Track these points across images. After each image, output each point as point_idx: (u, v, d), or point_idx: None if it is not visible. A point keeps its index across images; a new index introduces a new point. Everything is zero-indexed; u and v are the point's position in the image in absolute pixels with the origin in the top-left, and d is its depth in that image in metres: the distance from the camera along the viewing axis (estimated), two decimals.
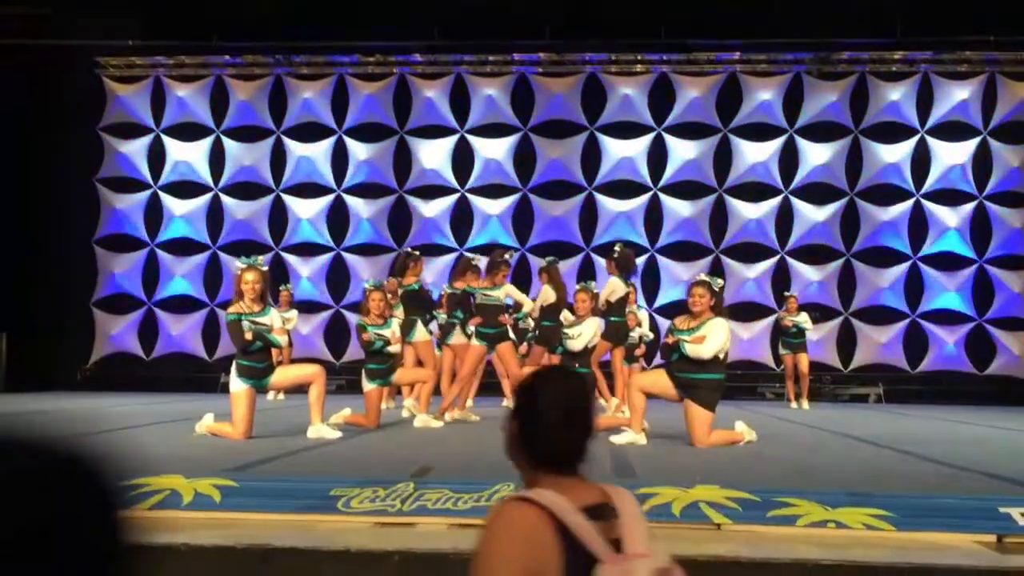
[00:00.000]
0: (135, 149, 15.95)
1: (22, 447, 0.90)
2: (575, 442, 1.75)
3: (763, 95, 15.29)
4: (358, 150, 15.76)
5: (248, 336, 6.56)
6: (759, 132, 15.35)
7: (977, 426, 9.25)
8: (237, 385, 6.65)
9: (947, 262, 15.12)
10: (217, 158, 15.96)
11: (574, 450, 1.75)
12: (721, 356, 6.41)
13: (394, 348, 7.75)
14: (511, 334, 8.90)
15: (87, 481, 0.92)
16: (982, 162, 15.08)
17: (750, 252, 15.35)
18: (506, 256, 8.66)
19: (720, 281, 6.58)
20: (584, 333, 7.70)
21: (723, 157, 15.38)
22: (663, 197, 15.43)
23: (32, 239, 14.88)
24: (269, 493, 4.08)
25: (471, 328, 8.59)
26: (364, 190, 15.83)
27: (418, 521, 3.81)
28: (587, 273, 14.48)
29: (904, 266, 15.20)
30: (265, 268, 6.88)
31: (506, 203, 15.61)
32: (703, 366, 6.34)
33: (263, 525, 3.77)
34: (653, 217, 15.46)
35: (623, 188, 15.49)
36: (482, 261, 9.03)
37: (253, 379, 6.67)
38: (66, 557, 0.86)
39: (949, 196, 15.18)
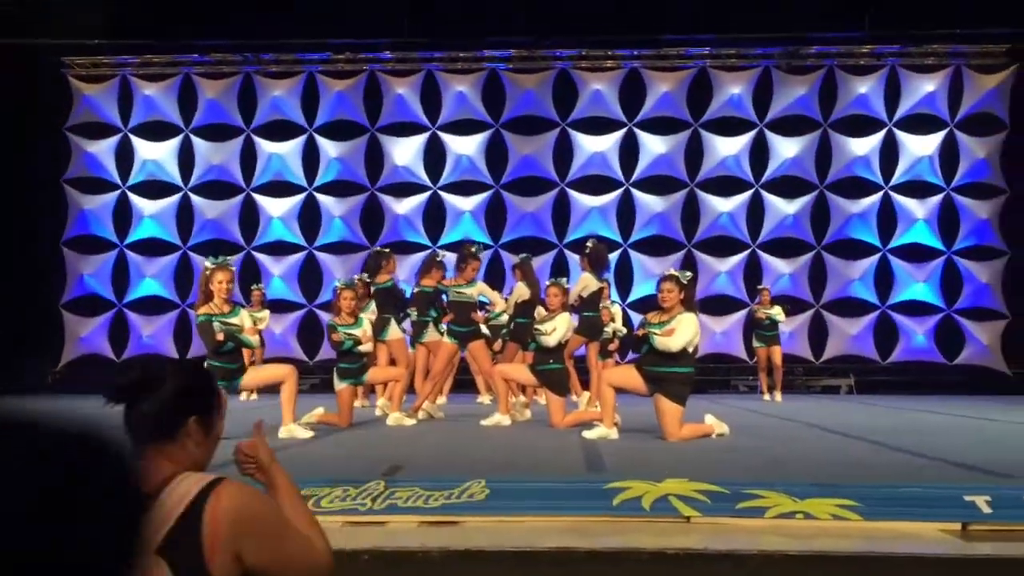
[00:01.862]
0: (103, 149, 15.79)
1: (47, 431, 0.91)
2: (130, 424, 1.81)
3: (733, 89, 15.37)
4: (329, 148, 15.69)
5: (220, 337, 6.52)
6: (729, 126, 15.43)
7: (945, 416, 9.36)
8: None
9: (916, 254, 15.29)
10: (186, 157, 15.83)
11: (130, 428, 1.81)
12: (690, 350, 6.45)
13: (365, 347, 7.72)
14: (484, 331, 8.90)
15: (109, 460, 0.93)
16: (949, 154, 15.25)
17: (722, 246, 15.44)
18: (473, 249, 8.64)
19: (688, 274, 6.61)
20: (558, 328, 7.70)
21: (694, 152, 15.45)
22: (635, 192, 15.48)
23: None
24: None
25: (443, 325, 8.58)
26: (336, 188, 15.76)
27: (388, 520, 3.80)
28: (560, 269, 14.51)
29: (873, 258, 15.34)
30: (234, 268, 6.85)
31: (479, 200, 15.60)
32: (673, 360, 6.37)
33: None
34: (625, 212, 15.51)
35: (595, 184, 15.53)
36: (448, 257, 9.02)
37: (224, 380, 6.62)
38: (86, 531, 0.87)
39: (917, 188, 15.34)
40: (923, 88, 15.21)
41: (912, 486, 4.08)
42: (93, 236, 15.80)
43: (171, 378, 1.80)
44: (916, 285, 15.21)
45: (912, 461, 5.24)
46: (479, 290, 8.60)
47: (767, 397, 12.43)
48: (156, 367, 1.83)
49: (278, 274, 15.57)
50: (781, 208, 15.38)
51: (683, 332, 6.34)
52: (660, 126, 15.46)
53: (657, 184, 15.50)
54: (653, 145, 15.43)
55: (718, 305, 15.13)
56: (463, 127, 15.62)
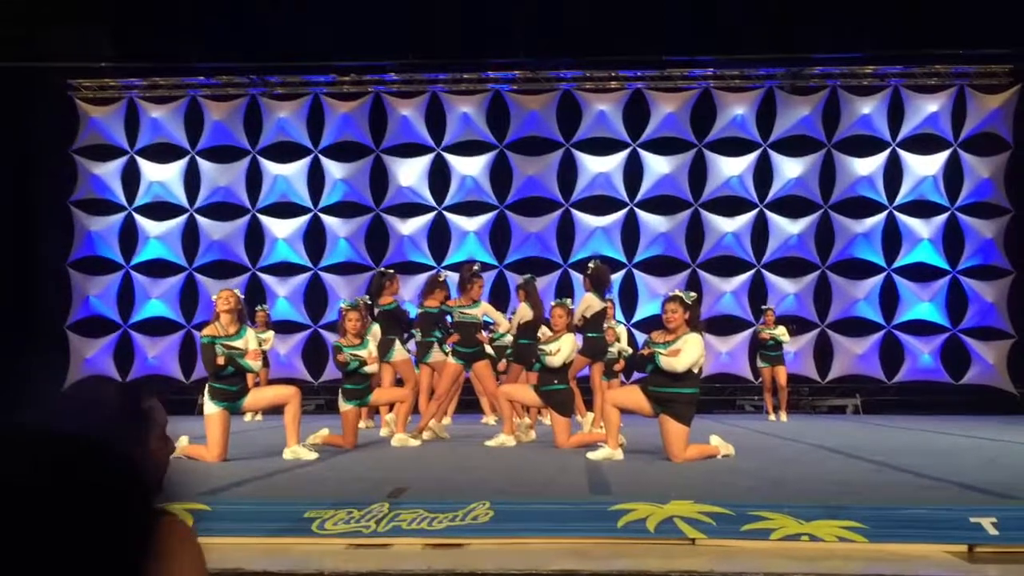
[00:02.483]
0: (109, 171, 15.87)
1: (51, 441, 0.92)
2: None
3: (737, 110, 15.42)
4: (334, 169, 15.76)
5: (220, 361, 6.51)
6: (733, 147, 15.47)
7: (951, 436, 9.32)
8: (211, 408, 6.61)
9: (921, 273, 15.27)
10: (192, 179, 15.90)
11: None
12: (695, 370, 6.43)
13: (371, 368, 7.72)
14: (489, 351, 8.90)
15: (117, 467, 0.94)
16: (953, 174, 15.26)
17: (726, 266, 15.45)
18: (475, 268, 8.64)
19: (693, 295, 6.59)
20: (562, 349, 7.67)
21: (698, 172, 15.48)
22: (639, 212, 15.51)
23: (4, 263, 14.74)
24: (243, 516, 4.05)
25: (448, 346, 8.58)
26: (341, 209, 15.82)
27: (393, 542, 3.79)
28: (565, 289, 14.52)
29: (879, 278, 15.33)
30: (240, 294, 6.88)
31: (483, 220, 15.64)
32: (677, 380, 6.36)
33: (236, 549, 3.74)
34: (630, 232, 15.54)
35: (599, 204, 15.56)
36: (452, 278, 9.03)
37: (227, 402, 6.63)
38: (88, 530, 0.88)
39: (921, 208, 15.35)
40: (926, 108, 15.25)
41: (918, 508, 4.05)
42: (99, 257, 15.85)
43: (90, 404, 1.72)
44: (921, 305, 15.19)
45: (918, 482, 5.21)
46: (483, 310, 8.61)
47: (772, 417, 12.39)
48: (77, 393, 1.75)
49: (283, 295, 15.60)
50: (785, 228, 15.39)
51: (688, 352, 6.33)
52: (664, 146, 15.51)
53: (661, 204, 15.53)
54: (657, 165, 15.47)
55: (723, 325, 15.11)
56: (468, 148, 15.69)
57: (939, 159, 15.27)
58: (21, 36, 13.96)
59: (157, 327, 15.70)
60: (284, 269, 15.80)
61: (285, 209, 15.84)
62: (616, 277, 14.53)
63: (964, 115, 15.17)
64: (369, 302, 9.34)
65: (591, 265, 9.18)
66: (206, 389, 6.68)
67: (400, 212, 15.76)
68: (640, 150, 15.49)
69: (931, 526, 3.82)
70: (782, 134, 15.40)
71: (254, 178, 15.85)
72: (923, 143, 15.31)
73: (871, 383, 15.14)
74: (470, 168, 15.63)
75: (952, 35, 14.04)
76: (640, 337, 14.07)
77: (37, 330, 15.28)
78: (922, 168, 15.28)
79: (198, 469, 6.07)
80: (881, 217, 15.37)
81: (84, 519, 0.89)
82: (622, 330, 11.66)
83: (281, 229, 15.76)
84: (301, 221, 15.78)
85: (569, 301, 8.22)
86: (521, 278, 9.50)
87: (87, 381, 1.78)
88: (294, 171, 15.77)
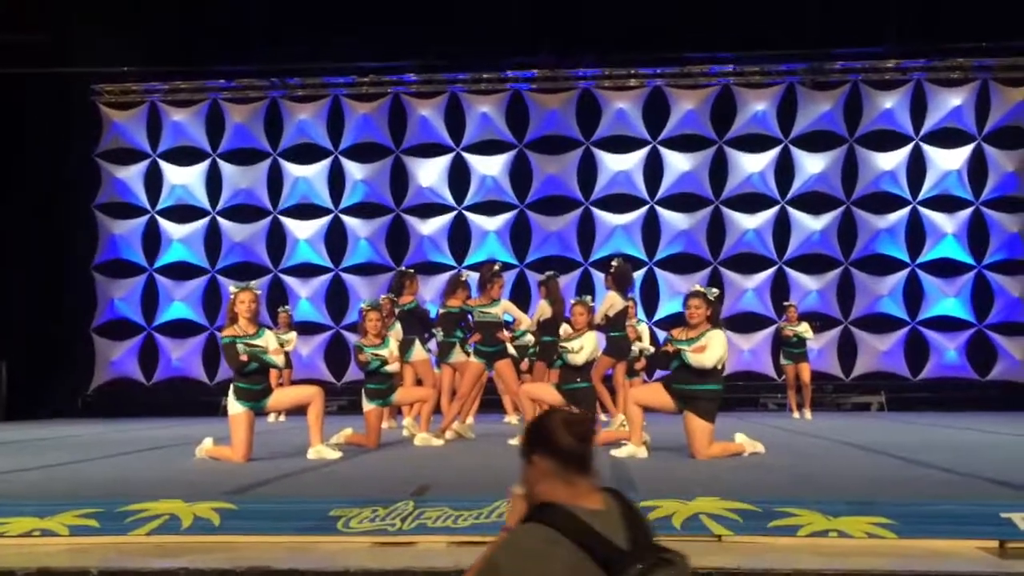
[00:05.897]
0: (132, 174, 15.99)
1: None
2: None
3: (757, 106, 15.34)
4: (354, 170, 15.80)
5: (244, 358, 6.54)
6: (754, 143, 15.38)
7: (979, 432, 9.22)
8: (235, 408, 6.64)
9: (945, 268, 15.12)
10: (214, 182, 16.00)
11: None
12: (719, 367, 6.40)
13: (392, 367, 7.73)
14: (510, 350, 8.87)
15: None
16: (977, 168, 15.11)
17: (748, 263, 15.36)
18: (496, 268, 8.63)
19: (715, 291, 6.56)
20: (585, 347, 7.62)
21: (719, 169, 15.41)
22: (660, 210, 15.45)
23: (31, 267, 14.90)
24: (269, 515, 4.06)
25: (469, 346, 8.58)
26: (361, 210, 15.86)
27: (418, 540, 3.80)
28: (586, 288, 14.49)
29: (903, 273, 15.20)
30: (259, 291, 6.88)
31: (503, 219, 15.63)
32: (701, 377, 6.33)
33: (263, 548, 3.75)
34: (650, 230, 15.48)
35: (620, 202, 15.52)
36: (473, 278, 9.02)
37: (251, 401, 6.66)
38: None
39: (945, 202, 15.19)
40: (949, 102, 15.10)
41: (947, 503, 4.02)
42: (123, 261, 15.98)
43: None
44: (946, 300, 15.04)
45: (946, 478, 5.16)
46: (504, 309, 8.59)
47: (796, 415, 12.31)
48: None
49: (305, 296, 15.66)
50: (807, 224, 15.29)
51: (715, 348, 6.30)
52: (684, 144, 15.45)
53: (682, 202, 15.46)
54: (677, 163, 15.41)
55: (745, 322, 15.03)
56: (487, 147, 15.69)
57: (963, 153, 15.12)
58: (45, 42, 14.07)
59: (181, 329, 15.81)
60: (306, 270, 15.86)
61: (306, 210, 15.91)
62: (637, 275, 14.48)
63: (988, 108, 15.02)
64: (394, 298, 9.37)
65: (614, 263, 9.15)
66: (231, 389, 6.70)
67: (420, 212, 15.78)
68: (660, 148, 15.44)
69: (961, 522, 3.78)
70: (803, 130, 15.30)
71: (275, 180, 15.93)
72: (946, 137, 15.16)
73: (896, 380, 15.02)
74: (490, 168, 15.63)
75: (975, 28, 13.89)
76: (661, 335, 14.02)
77: (63, 333, 15.42)
78: (946, 162, 15.13)
79: (224, 469, 6.10)
80: (905, 212, 15.24)
81: None
82: (644, 328, 11.59)
83: (302, 230, 15.83)
84: (322, 222, 15.84)
85: (589, 299, 8.17)
86: (543, 275, 9.47)
87: None
88: (315, 172, 15.83)
